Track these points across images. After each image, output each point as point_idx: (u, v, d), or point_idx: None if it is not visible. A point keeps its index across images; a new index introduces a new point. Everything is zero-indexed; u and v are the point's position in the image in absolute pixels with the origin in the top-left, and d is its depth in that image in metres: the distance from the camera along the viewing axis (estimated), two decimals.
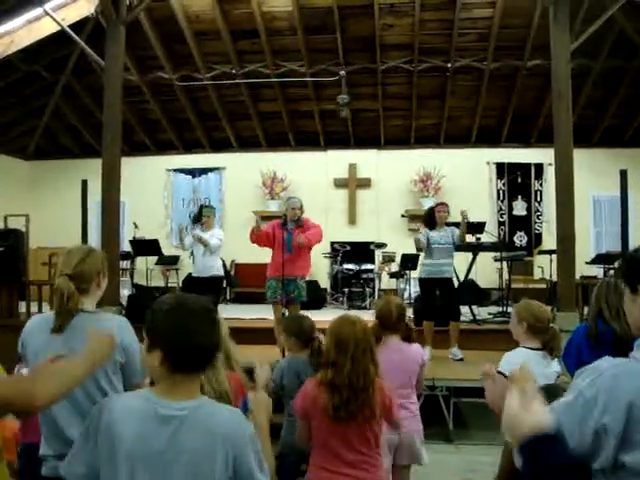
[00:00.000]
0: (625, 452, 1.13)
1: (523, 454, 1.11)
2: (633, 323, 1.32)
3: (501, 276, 8.99)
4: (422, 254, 6.44)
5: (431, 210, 6.46)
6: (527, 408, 1.14)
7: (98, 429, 1.46)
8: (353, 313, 2.77)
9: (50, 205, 11.55)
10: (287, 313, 5.76)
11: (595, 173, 10.03)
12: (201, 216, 6.78)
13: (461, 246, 6.59)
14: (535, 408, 1.14)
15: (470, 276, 8.07)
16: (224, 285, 10.18)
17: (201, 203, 8.24)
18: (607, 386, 1.17)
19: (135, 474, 1.41)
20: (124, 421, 1.45)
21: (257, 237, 5.92)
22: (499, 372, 2.78)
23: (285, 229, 5.85)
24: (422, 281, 6.40)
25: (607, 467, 1.16)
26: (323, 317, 7.59)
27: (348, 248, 10.19)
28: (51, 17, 7.55)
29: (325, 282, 10.73)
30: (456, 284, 6.93)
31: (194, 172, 11.79)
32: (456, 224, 6.37)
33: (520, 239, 11.00)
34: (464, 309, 6.94)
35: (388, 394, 2.51)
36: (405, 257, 9.38)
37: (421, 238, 6.23)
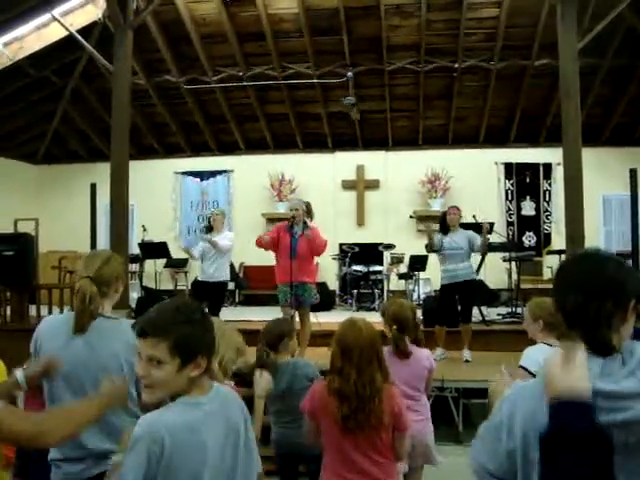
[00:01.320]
0: (533, 471, 1.18)
1: (553, 414, 1.13)
2: None
3: (510, 276, 8.95)
4: (439, 258, 6.41)
5: (444, 215, 6.45)
6: (569, 370, 1.15)
7: (160, 461, 1.44)
8: (360, 316, 2.72)
9: (59, 209, 11.62)
10: (297, 316, 5.75)
11: (604, 172, 9.96)
12: (211, 225, 6.78)
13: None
14: (577, 372, 1.15)
15: (479, 277, 8.03)
16: (232, 288, 10.23)
17: (212, 210, 8.23)
18: (508, 412, 1.26)
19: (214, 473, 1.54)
20: (189, 437, 1.49)
21: (261, 244, 5.90)
22: (521, 366, 2.79)
23: (291, 233, 5.80)
24: (443, 287, 6.38)
25: None
26: (332, 319, 7.62)
27: (357, 249, 10.18)
28: (59, 23, 7.63)
29: (334, 284, 10.71)
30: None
31: (202, 175, 11.82)
32: (470, 225, 6.34)
33: (529, 239, 10.95)
34: (473, 310, 6.91)
35: (398, 401, 2.44)
36: (414, 258, 9.36)
37: (435, 239, 6.21)
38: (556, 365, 1.17)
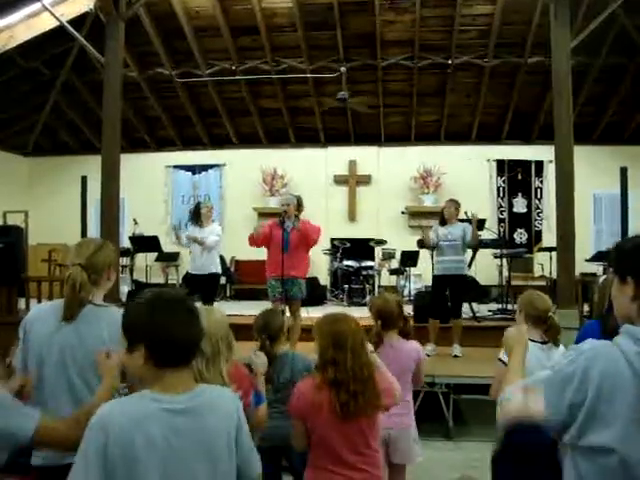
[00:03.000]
0: (592, 430, 1.23)
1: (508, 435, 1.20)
2: (619, 311, 1.40)
3: (501, 273, 8.98)
4: (430, 252, 6.49)
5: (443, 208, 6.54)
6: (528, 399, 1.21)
7: (106, 451, 1.40)
8: (351, 311, 2.77)
9: (49, 202, 11.54)
10: (287, 310, 5.76)
11: (595, 170, 10.01)
12: (198, 214, 6.73)
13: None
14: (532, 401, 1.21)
15: (470, 273, 8.06)
16: (224, 282, 10.21)
17: (198, 200, 8.17)
18: (583, 365, 1.27)
19: (162, 474, 1.43)
20: (133, 431, 1.42)
21: (254, 241, 5.89)
22: (499, 359, 2.84)
23: (282, 228, 5.81)
24: (435, 278, 6.47)
25: (575, 442, 1.27)
26: (323, 314, 7.62)
27: (348, 245, 10.19)
28: (50, 12, 7.53)
29: (325, 279, 10.72)
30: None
31: (194, 169, 11.77)
32: (468, 220, 6.41)
33: (520, 236, 11.00)
34: (464, 306, 6.95)
35: (388, 377, 2.58)
36: (405, 254, 9.39)
37: (430, 234, 6.33)
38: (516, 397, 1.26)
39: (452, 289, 6.31)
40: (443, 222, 6.36)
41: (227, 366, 2.27)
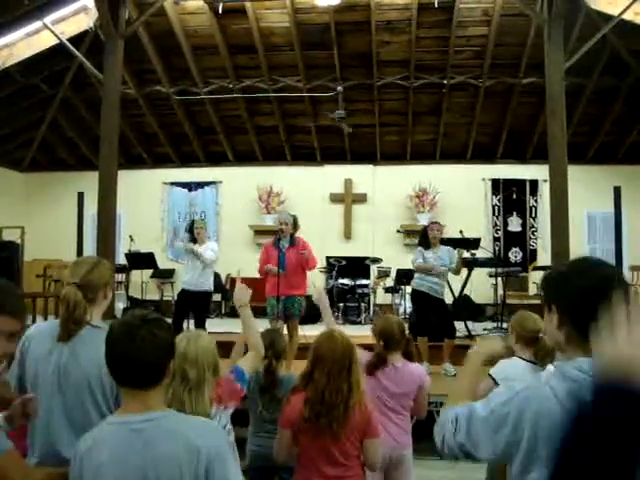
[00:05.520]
0: (533, 468, 1.24)
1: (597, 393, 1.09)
2: (550, 340, 1.43)
3: (496, 292, 9.01)
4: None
5: (425, 229, 6.49)
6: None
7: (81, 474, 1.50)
8: (346, 329, 2.79)
9: (46, 217, 11.53)
10: (285, 328, 5.74)
11: (589, 190, 10.08)
12: (192, 232, 6.68)
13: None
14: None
15: (465, 291, 8.08)
16: (219, 299, 10.18)
17: (192, 218, 8.14)
18: (518, 407, 1.28)
19: None
20: (98, 452, 1.48)
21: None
22: (489, 375, 2.86)
23: (278, 247, 5.82)
24: (417, 293, 6.40)
25: (519, 478, 1.28)
26: (318, 332, 7.59)
27: (343, 263, 10.19)
28: (50, 30, 7.61)
29: None
30: (451, 299, 6.93)
31: (190, 186, 11.79)
32: (451, 240, 6.40)
33: (515, 255, 11.03)
34: (459, 325, 6.94)
35: (367, 408, 2.50)
36: (400, 272, 9.39)
37: (420, 263, 6.24)
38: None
39: (437, 312, 6.25)
40: (427, 244, 6.28)
41: (211, 390, 2.22)
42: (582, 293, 1.30)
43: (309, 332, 6.68)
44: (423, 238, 6.38)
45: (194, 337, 2.27)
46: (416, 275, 6.41)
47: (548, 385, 1.27)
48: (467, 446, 1.38)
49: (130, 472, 1.44)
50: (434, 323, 6.28)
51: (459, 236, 7.35)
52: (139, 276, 10.29)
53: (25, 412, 1.94)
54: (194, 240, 6.61)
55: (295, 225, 6.01)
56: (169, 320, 1.85)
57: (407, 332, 3.42)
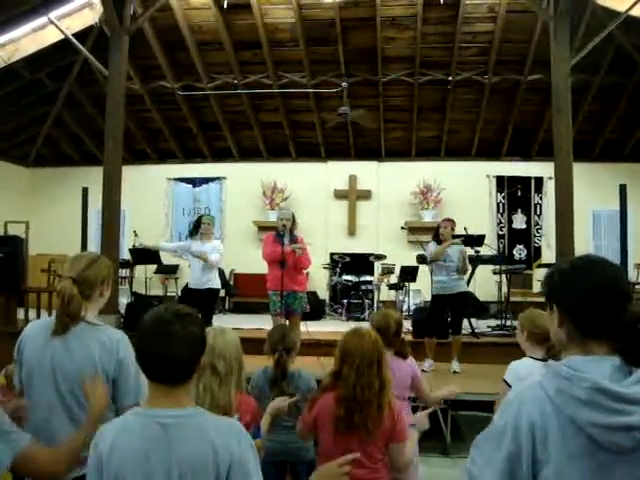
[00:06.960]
0: (538, 472, 1.21)
1: None
2: (554, 338, 1.43)
3: (500, 289, 8.98)
4: (429, 269, 6.49)
5: (438, 226, 6.51)
6: None
7: (100, 466, 1.47)
8: (359, 325, 2.74)
9: (50, 212, 11.57)
10: (288, 324, 5.75)
11: (595, 187, 10.05)
12: (199, 227, 6.66)
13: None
14: None
15: (469, 289, 8.07)
16: (223, 295, 10.19)
17: (200, 214, 8.09)
18: (513, 415, 1.26)
19: None
20: (123, 440, 1.46)
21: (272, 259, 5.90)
22: (504, 380, 2.83)
23: (281, 243, 5.81)
24: (434, 297, 6.42)
25: None
26: (322, 328, 7.62)
27: (347, 259, 10.19)
28: (55, 26, 7.62)
29: (324, 293, 10.71)
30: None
31: (195, 181, 11.81)
32: (455, 237, 6.41)
33: (519, 252, 11.01)
34: (463, 322, 6.94)
35: (396, 410, 2.43)
36: (404, 269, 9.38)
37: (432, 251, 6.29)
38: None
39: (453, 307, 6.31)
40: (438, 240, 6.31)
41: (235, 393, 2.24)
42: (583, 294, 1.31)
43: (312, 328, 6.73)
44: (436, 234, 6.44)
45: (220, 332, 2.33)
46: (432, 278, 6.44)
47: (539, 385, 1.27)
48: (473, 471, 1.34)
49: (154, 465, 1.44)
50: (444, 321, 6.32)
51: (463, 233, 7.34)
52: (143, 271, 10.32)
53: (18, 416, 1.95)
54: (200, 236, 6.56)
55: (294, 222, 6.01)
56: None
57: (407, 329, 3.38)
